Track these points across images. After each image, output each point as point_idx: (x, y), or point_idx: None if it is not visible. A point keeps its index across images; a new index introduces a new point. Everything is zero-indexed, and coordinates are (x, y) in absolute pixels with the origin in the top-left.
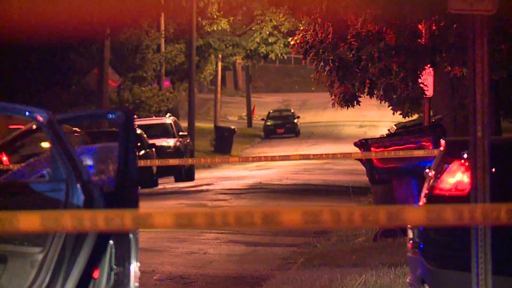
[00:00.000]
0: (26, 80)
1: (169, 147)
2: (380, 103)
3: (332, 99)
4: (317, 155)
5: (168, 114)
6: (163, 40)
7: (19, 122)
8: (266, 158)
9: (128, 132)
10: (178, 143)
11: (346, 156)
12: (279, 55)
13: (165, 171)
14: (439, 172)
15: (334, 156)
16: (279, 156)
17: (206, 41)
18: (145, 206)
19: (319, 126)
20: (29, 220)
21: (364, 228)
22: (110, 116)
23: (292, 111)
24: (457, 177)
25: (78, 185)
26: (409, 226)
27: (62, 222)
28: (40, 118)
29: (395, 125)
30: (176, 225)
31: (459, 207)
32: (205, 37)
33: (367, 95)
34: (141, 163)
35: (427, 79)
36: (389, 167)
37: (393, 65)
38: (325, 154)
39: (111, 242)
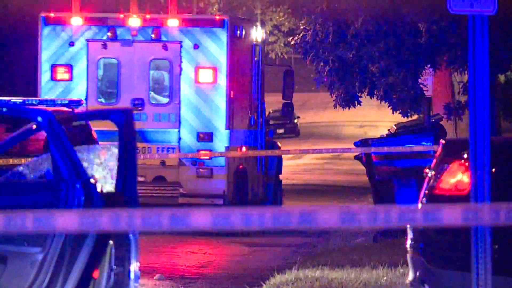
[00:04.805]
0: None
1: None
2: (380, 103)
3: (334, 100)
4: (316, 149)
5: None
6: None
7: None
8: (266, 152)
9: (128, 132)
10: None
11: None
12: (279, 55)
13: None
14: (439, 172)
15: (334, 150)
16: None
17: None
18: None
19: (319, 126)
20: (67, 220)
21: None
22: (111, 116)
23: None
24: (457, 177)
25: (78, 185)
26: (408, 226)
27: (99, 221)
28: (40, 118)
29: (395, 125)
30: (213, 225)
31: (497, 205)
32: None
33: (367, 95)
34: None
35: (427, 79)
36: (389, 167)
37: (393, 65)
38: (325, 148)
39: (111, 242)
